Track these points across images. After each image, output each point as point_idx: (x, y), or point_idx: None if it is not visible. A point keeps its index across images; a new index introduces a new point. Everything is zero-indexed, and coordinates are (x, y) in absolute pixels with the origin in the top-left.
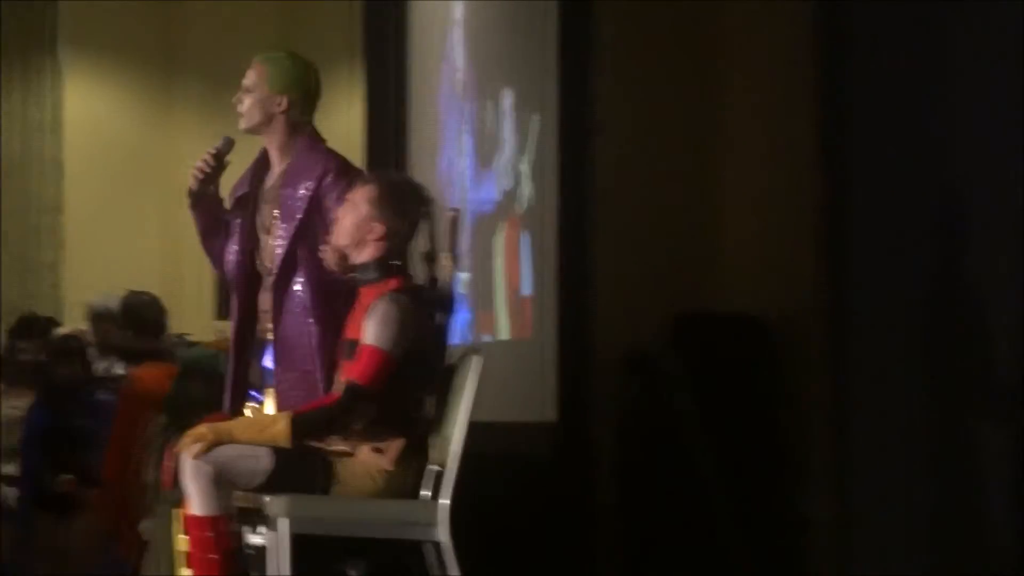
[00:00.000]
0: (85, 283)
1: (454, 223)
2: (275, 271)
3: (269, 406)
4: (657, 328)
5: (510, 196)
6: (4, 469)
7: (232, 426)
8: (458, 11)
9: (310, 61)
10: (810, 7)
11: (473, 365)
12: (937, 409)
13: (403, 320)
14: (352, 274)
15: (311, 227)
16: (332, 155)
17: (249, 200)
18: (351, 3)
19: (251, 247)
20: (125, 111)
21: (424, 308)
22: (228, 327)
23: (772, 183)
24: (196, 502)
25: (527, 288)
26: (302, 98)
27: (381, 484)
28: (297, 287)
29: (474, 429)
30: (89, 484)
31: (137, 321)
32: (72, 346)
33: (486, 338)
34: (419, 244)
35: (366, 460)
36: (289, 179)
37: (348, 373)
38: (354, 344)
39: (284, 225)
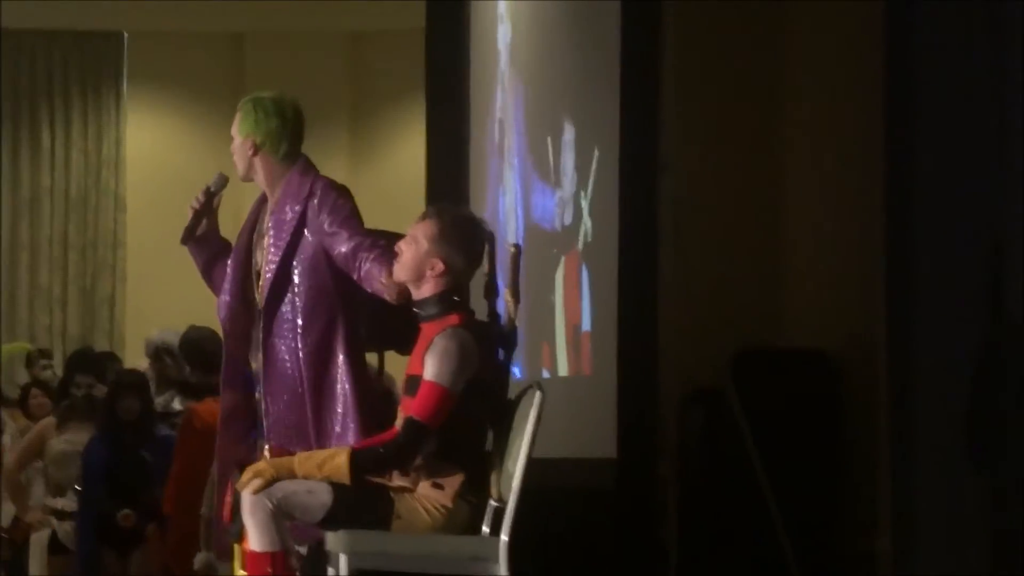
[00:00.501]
0: (146, 318)
1: (515, 258)
2: (264, 294)
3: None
4: (719, 363)
5: (570, 231)
6: (59, 504)
7: (292, 461)
8: (518, 45)
9: (282, 98)
10: (878, 47)
11: (534, 401)
12: (1000, 442)
13: (463, 356)
14: (414, 309)
15: (299, 249)
16: (318, 177)
17: (245, 235)
18: (416, 37)
19: (247, 281)
20: (188, 146)
21: (485, 343)
22: None
23: (834, 219)
24: (255, 537)
25: (587, 323)
26: (269, 138)
27: (441, 520)
28: (286, 309)
29: (534, 465)
30: (150, 518)
31: (197, 356)
32: (134, 381)
33: (546, 373)
34: (480, 279)
35: (426, 495)
36: (278, 206)
37: (408, 409)
38: (415, 380)
39: (274, 249)
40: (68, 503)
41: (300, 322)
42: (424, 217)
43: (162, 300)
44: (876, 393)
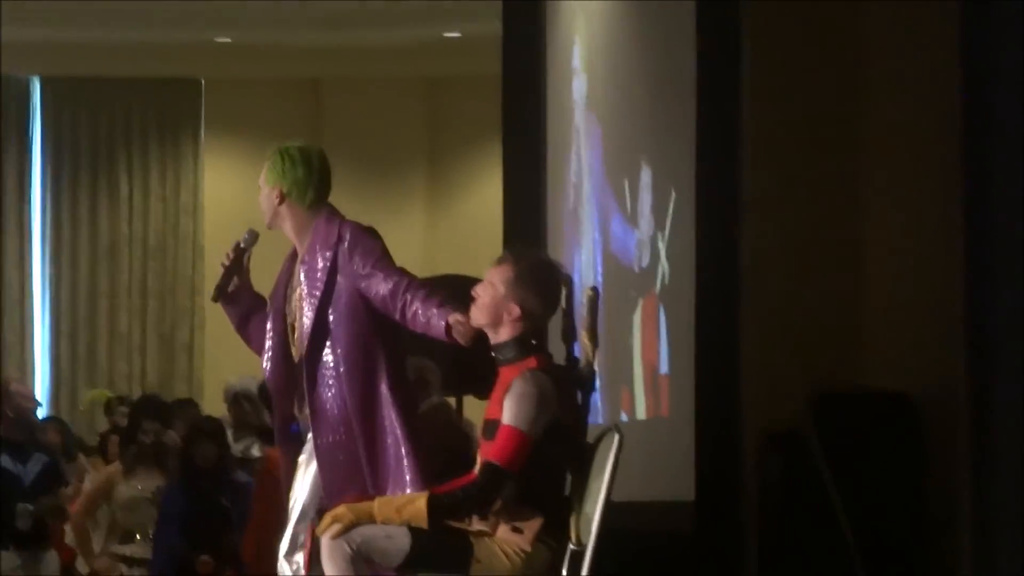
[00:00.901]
0: (224, 364)
1: (593, 302)
2: (304, 344)
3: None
4: (798, 405)
5: (648, 273)
6: (127, 550)
7: (371, 506)
8: (594, 89)
9: (308, 148)
10: (954, 88)
11: (612, 444)
12: None
13: (541, 399)
14: (491, 353)
15: (333, 295)
16: (345, 222)
17: (280, 288)
18: (492, 82)
19: (285, 336)
20: None
21: (563, 387)
22: None
23: (915, 261)
24: None
25: (665, 366)
26: (296, 186)
27: (520, 564)
28: (327, 357)
29: (613, 508)
30: (227, 564)
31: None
32: (211, 428)
33: (624, 417)
34: (558, 323)
35: (505, 539)
36: (309, 256)
37: (487, 453)
38: (494, 424)
39: (309, 299)
40: (137, 549)
41: (343, 368)
42: (500, 261)
43: (240, 347)
44: (957, 435)
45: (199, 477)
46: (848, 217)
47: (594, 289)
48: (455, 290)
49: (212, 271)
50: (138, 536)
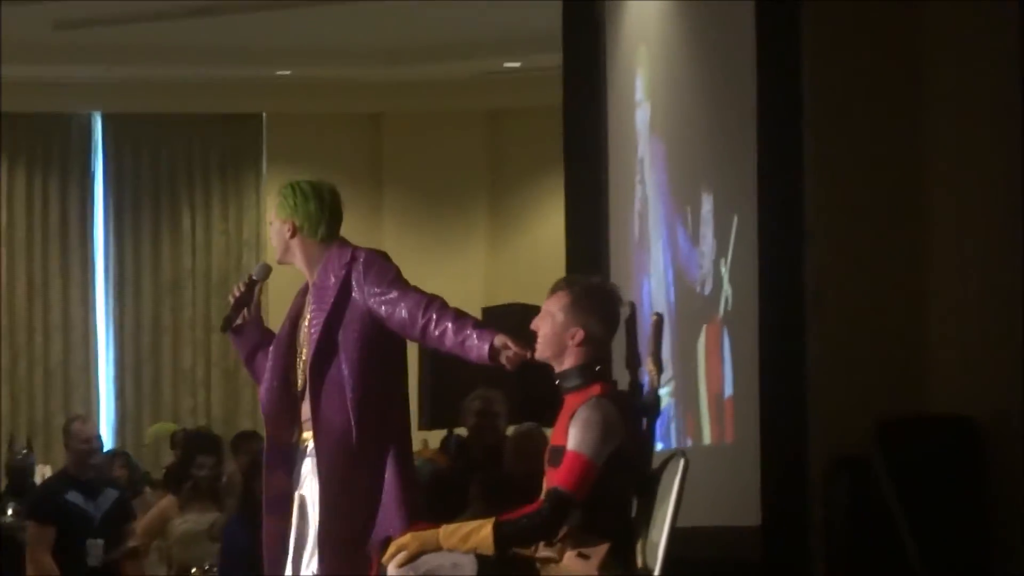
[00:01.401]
0: None
1: (657, 327)
2: (310, 356)
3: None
4: (864, 431)
5: (711, 298)
6: None
7: (436, 534)
8: (656, 116)
9: (319, 183)
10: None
11: (678, 469)
12: None
13: (607, 426)
14: (556, 382)
15: (345, 312)
16: (358, 248)
17: (288, 323)
18: (553, 114)
19: (289, 365)
20: None
21: (628, 413)
22: (430, 436)
23: (979, 285)
24: None
25: (729, 390)
26: (308, 220)
27: None
28: (334, 372)
29: (679, 534)
30: None
31: None
32: None
33: (688, 442)
34: (622, 349)
35: (571, 566)
36: (320, 279)
37: (552, 480)
38: (559, 451)
39: (317, 315)
40: None
41: (351, 382)
42: (555, 290)
43: None
44: (1022, 459)
45: (259, 509)
46: (912, 242)
47: (658, 315)
48: (520, 320)
49: (276, 305)
50: (194, 570)
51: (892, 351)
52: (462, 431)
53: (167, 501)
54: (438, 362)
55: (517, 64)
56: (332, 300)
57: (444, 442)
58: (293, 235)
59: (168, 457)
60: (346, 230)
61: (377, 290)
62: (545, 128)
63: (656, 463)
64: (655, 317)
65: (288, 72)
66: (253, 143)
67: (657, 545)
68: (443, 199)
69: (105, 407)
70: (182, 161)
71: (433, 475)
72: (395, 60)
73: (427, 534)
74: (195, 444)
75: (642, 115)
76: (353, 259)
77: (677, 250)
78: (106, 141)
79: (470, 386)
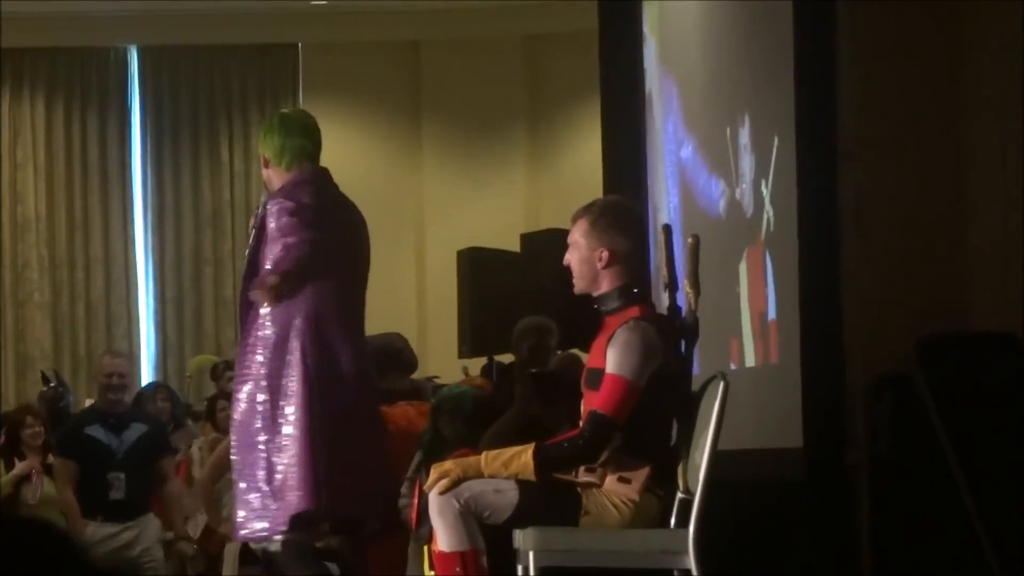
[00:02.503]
0: None
1: (694, 250)
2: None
3: None
4: (905, 349)
5: (753, 221)
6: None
7: (478, 460)
8: (693, 39)
9: (289, 115)
10: None
11: (719, 391)
12: None
13: (645, 348)
14: (594, 306)
15: (260, 243)
16: (277, 192)
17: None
18: (590, 38)
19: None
20: (366, 155)
21: (667, 335)
22: (473, 364)
23: (1020, 200)
24: (443, 538)
25: (772, 312)
26: (275, 152)
27: (629, 514)
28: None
29: (722, 456)
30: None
31: (387, 362)
32: None
33: (732, 366)
34: (660, 274)
35: (613, 490)
36: (261, 208)
37: (591, 403)
38: (597, 373)
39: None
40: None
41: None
42: (575, 219)
43: None
44: None
45: None
46: (952, 159)
47: (695, 236)
48: (560, 245)
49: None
50: None
51: (933, 268)
52: (502, 358)
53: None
54: (478, 291)
55: None
56: (255, 229)
57: (484, 370)
58: (266, 165)
59: (210, 389)
60: (386, 157)
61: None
62: (582, 52)
63: (698, 386)
64: (691, 240)
65: (324, 1)
66: (290, 73)
67: (699, 467)
68: (482, 125)
69: (147, 340)
70: (219, 92)
71: (477, 402)
72: None
73: (468, 460)
74: None
75: (676, 31)
76: (271, 196)
77: (717, 172)
78: (143, 74)
79: (510, 315)
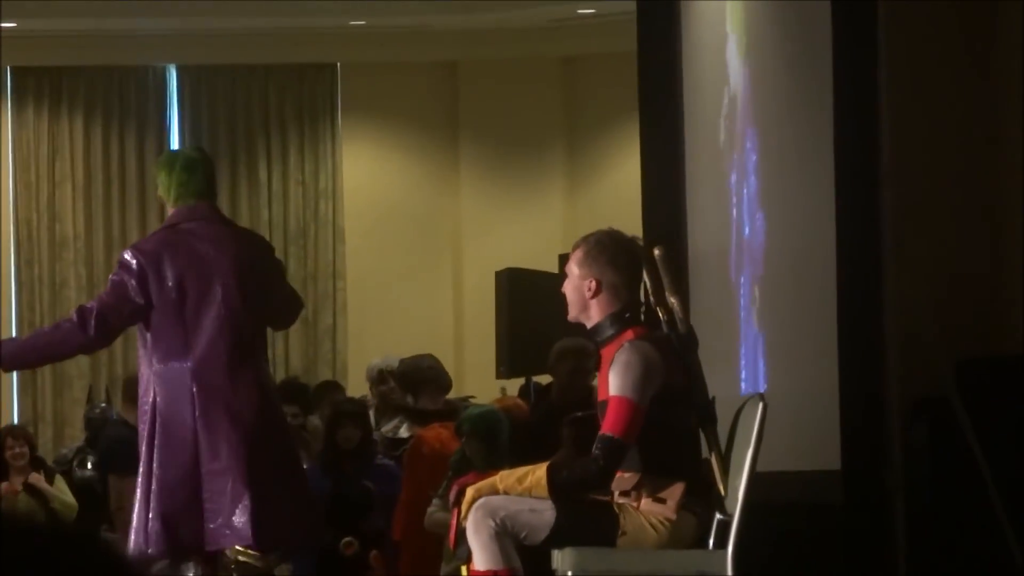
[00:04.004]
0: (367, 348)
1: (664, 260)
2: None
3: None
4: (943, 372)
5: (789, 241)
6: None
7: (493, 480)
8: (730, 61)
9: (174, 153)
10: None
11: (757, 412)
12: None
13: (645, 366)
14: (593, 339)
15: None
16: (150, 238)
17: None
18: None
19: None
20: (404, 175)
21: (665, 349)
22: (511, 386)
23: None
24: (478, 557)
25: (809, 335)
26: (163, 189)
27: (666, 533)
28: None
29: (759, 478)
30: (371, 546)
31: (418, 383)
32: (353, 410)
33: (766, 387)
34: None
35: (650, 510)
36: None
37: (602, 429)
38: (604, 404)
39: None
40: None
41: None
42: (572, 250)
43: (383, 330)
44: None
45: (342, 459)
46: (989, 182)
47: (660, 247)
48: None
49: (353, 254)
50: None
51: (971, 291)
52: (540, 379)
53: None
54: (516, 312)
55: (591, 10)
56: None
57: (522, 390)
58: (163, 204)
59: None
60: (423, 178)
61: None
62: (620, 73)
63: (735, 407)
64: (658, 251)
65: (363, 22)
66: (328, 93)
67: (737, 488)
68: (519, 146)
69: None
70: (258, 112)
71: (514, 423)
72: (470, 7)
73: (483, 482)
74: (282, 394)
75: (731, 48)
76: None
77: (753, 193)
78: (182, 93)
79: (548, 335)
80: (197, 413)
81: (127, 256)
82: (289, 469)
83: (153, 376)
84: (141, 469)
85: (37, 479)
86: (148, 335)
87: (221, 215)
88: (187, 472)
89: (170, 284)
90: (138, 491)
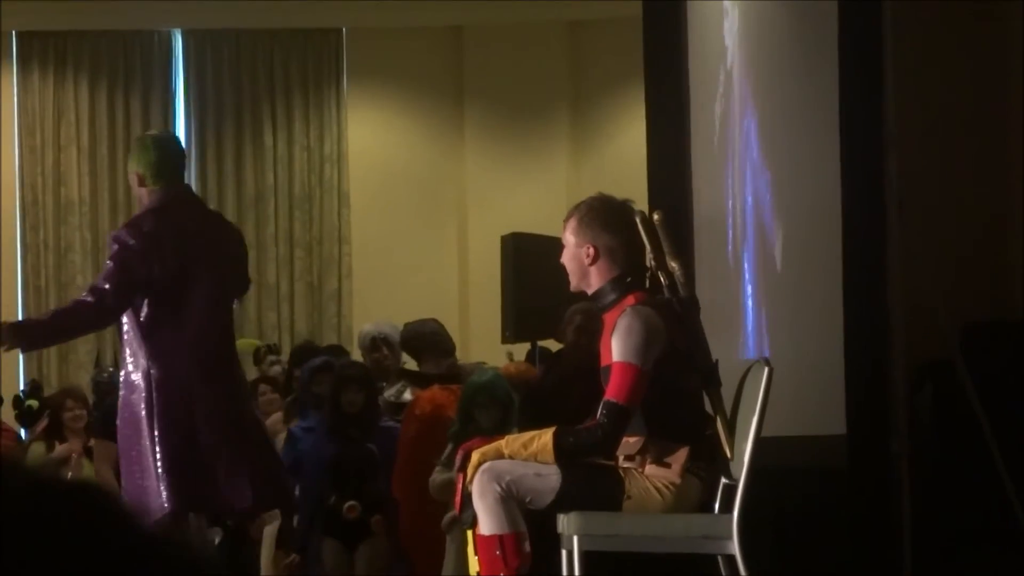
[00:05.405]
0: (371, 312)
1: (663, 224)
2: None
3: None
4: (947, 336)
5: (794, 207)
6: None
7: (499, 444)
8: (735, 27)
9: (158, 134)
10: None
11: (763, 377)
12: None
13: (647, 330)
14: (595, 306)
15: None
16: (132, 220)
17: None
18: (634, 24)
19: None
20: (409, 139)
21: (666, 313)
22: (517, 351)
23: None
24: (484, 521)
25: (815, 299)
26: (148, 170)
27: (671, 498)
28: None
29: (765, 443)
30: (375, 510)
31: (421, 348)
32: (357, 374)
33: (769, 352)
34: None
35: (655, 474)
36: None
37: (605, 395)
38: (607, 369)
39: None
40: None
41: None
42: (566, 219)
43: (387, 294)
44: None
45: (346, 423)
46: (996, 147)
47: (659, 212)
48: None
49: (358, 219)
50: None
51: (975, 256)
52: (546, 344)
53: (275, 417)
54: (521, 277)
55: None
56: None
57: (528, 355)
58: (141, 184)
59: (251, 373)
60: (428, 143)
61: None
62: (625, 38)
63: (740, 371)
64: (657, 215)
65: None
66: (334, 57)
67: (743, 454)
68: (524, 111)
69: None
70: (263, 77)
71: (528, 389)
72: None
73: (489, 446)
74: (300, 357)
75: (721, 18)
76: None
77: (758, 159)
78: (187, 57)
79: (553, 300)
80: (195, 384)
81: (125, 235)
82: (265, 434)
83: (148, 350)
84: (145, 444)
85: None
86: (144, 311)
87: (199, 198)
88: (190, 443)
89: (168, 263)
90: (148, 457)
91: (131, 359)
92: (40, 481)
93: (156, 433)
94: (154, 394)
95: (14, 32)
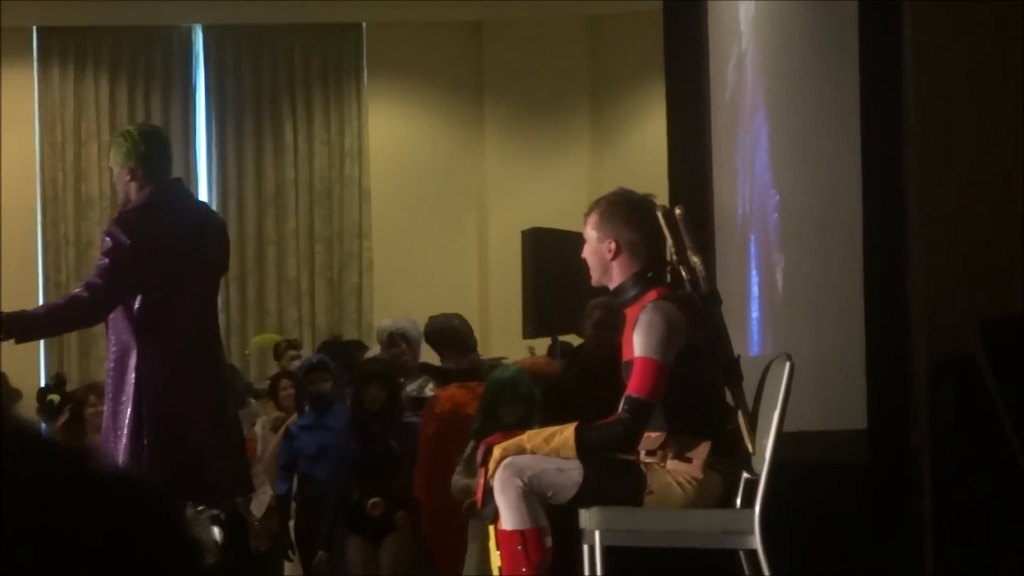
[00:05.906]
0: (392, 307)
1: (685, 219)
2: None
3: None
4: (968, 331)
5: (815, 203)
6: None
7: (521, 439)
8: (757, 20)
9: (147, 128)
10: None
11: (785, 372)
12: None
13: (668, 325)
14: (617, 301)
15: None
16: (120, 214)
17: None
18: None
19: None
20: (429, 134)
21: (688, 308)
22: (537, 346)
23: None
24: (505, 516)
25: (835, 296)
26: (140, 164)
27: (693, 492)
28: None
29: (786, 438)
30: (398, 506)
31: (443, 343)
32: (379, 370)
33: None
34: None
35: (676, 469)
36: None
37: (627, 390)
38: (629, 364)
39: None
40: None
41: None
42: (587, 214)
43: (407, 290)
44: None
45: (368, 419)
46: (1016, 140)
47: (681, 207)
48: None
49: (379, 214)
50: None
51: (995, 251)
52: (567, 339)
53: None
54: (542, 271)
55: None
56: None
57: (550, 349)
58: (132, 178)
59: (272, 368)
60: (448, 137)
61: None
62: (646, 32)
63: (761, 367)
64: (679, 210)
65: None
66: (354, 53)
67: (764, 448)
68: (544, 106)
69: None
70: (283, 72)
71: (549, 384)
72: None
73: (510, 441)
74: (326, 352)
75: (743, 12)
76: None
77: (779, 154)
78: (207, 53)
79: (574, 295)
80: (184, 375)
81: (119, 232)
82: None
83: (140, 342)
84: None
85: None
86: (137, 305)
87: (189, 192)
88: (178, 432)
89: (160, 263)
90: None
91: (115, 348)
92: (32, 440)
93: (142, 422)
94: (143, 386)
95: (35, 28)
